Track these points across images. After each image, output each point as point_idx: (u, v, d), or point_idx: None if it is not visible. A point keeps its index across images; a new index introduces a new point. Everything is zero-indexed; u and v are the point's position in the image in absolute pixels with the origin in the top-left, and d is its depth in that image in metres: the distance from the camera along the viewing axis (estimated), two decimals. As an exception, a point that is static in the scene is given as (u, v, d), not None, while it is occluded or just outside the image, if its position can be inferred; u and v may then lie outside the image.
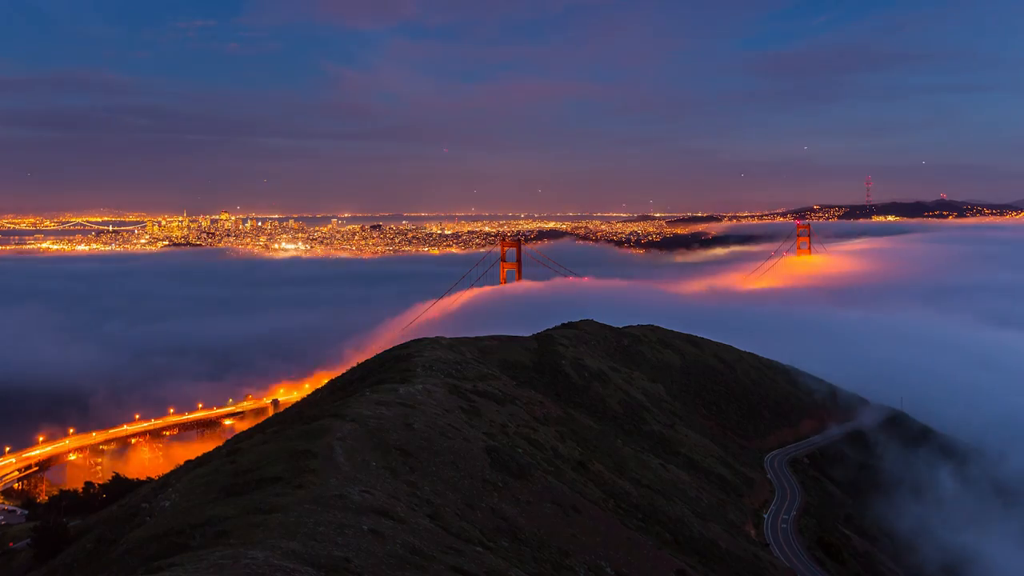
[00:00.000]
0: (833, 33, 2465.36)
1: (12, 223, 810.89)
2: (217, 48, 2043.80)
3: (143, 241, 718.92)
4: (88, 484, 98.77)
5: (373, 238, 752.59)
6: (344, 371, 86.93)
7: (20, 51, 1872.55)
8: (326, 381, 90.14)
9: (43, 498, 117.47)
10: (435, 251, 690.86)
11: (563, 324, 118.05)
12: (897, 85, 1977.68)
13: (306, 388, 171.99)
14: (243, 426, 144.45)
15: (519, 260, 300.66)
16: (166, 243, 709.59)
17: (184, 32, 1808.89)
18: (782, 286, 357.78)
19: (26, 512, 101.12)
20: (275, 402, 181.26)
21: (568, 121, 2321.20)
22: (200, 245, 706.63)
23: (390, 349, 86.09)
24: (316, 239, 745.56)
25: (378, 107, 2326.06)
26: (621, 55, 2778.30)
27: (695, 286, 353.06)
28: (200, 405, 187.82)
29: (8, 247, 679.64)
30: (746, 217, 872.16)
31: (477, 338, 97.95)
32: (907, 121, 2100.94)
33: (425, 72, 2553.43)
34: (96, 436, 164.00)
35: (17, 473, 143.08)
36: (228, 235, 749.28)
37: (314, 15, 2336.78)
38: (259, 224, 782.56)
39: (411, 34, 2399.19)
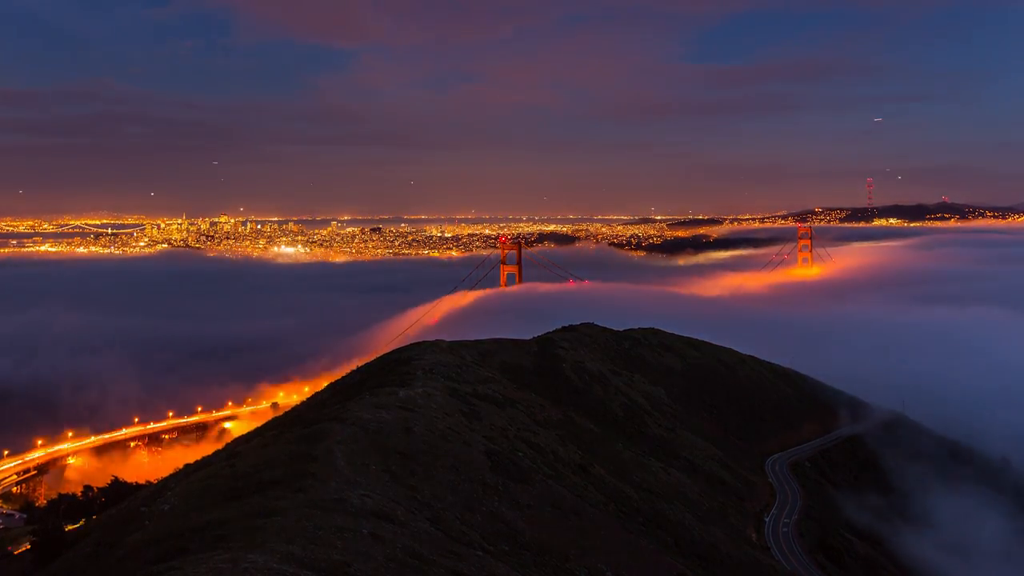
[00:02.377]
0: (769, 49, 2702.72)
1: (10, 226, 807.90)
2: (206, 63, 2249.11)
3: (142, 244, 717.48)
4: (87, 488, 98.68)
5: (373, 241, 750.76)
6: (344, 374, 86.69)
7: (22, 65, 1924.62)
8: (326, 384, 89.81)
9: (42, 502, 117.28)
10: (435, 254, 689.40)
11: (563, 327, 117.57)
12: (848, 95, 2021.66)
13: (306, 391, 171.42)
14: (242, 429, 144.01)
15: (519, 263, 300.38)
16: (165, 245, 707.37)
17: (175, 50, 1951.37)
18: (784, 289, 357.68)
19: (25, 516, 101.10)
20: (275, 405, 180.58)
21: (554, 126, 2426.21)
22: (199, 247, 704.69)
23: (390, 352, 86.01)
24: (316, 242, 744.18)
25: (367, 113, 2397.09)
26: (577, 71, 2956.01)
27: (696, 289, 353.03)
28: (199, 408, 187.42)
29: (6, 250, 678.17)
30: (747, 220, 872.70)
31: (477, 341, 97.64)
32: (870, 127, 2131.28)
33: (404, 82, 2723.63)
34: (95, 439, 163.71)
35: (16, 476, 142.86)
36: (227, 237, 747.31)
37: (293, 35, 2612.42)
38: (258, 227, 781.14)
39: (380, 52, 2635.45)
